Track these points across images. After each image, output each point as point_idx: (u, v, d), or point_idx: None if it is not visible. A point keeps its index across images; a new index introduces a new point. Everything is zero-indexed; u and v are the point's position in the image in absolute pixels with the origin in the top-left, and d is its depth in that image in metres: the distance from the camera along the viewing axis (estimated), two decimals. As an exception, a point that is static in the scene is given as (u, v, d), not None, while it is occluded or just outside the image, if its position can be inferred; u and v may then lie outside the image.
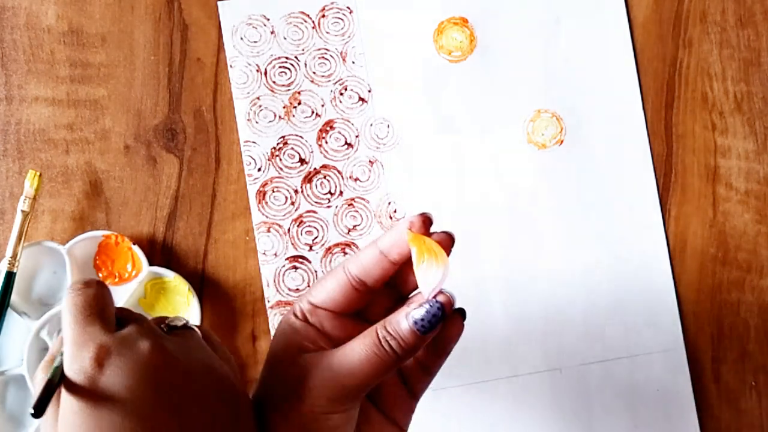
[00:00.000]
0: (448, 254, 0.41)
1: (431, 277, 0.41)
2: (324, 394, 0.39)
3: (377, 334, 0.40)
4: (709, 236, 0.62)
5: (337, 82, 0.62)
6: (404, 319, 0.40)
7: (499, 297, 0.61)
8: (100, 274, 0.60)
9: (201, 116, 0.62)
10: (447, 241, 0.42)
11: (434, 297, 0.41)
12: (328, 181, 0.62)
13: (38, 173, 0.59)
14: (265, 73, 0.62)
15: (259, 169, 0.61)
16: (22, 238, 0.58)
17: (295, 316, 0.43)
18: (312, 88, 0.62)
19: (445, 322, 0.41)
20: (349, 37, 0.62)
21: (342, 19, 0.62)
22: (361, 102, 0.62)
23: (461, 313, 0.43)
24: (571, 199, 0.62)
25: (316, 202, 0.61)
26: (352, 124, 0.62)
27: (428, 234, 0.42)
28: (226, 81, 0.62)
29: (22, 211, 0.58)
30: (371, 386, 0.40)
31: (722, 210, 0.62)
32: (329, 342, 0.43)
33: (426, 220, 0.42)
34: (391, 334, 0.40)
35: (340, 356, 0.40)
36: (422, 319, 0.40)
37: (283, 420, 0.40)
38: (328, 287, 0.43)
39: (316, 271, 0.61)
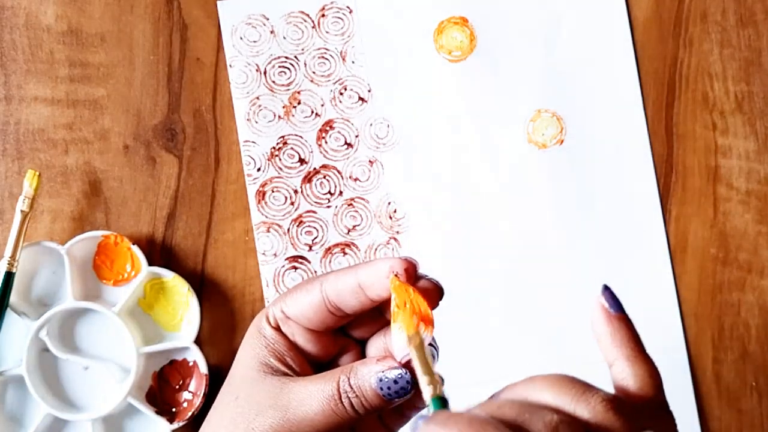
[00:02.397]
0: (433, 307, 0.36)
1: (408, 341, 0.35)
2: None
3: (338, 387, 0.37)
4: (710, 236, 0.62)
5: (336, 81, 0.62)
6: (372, 378, 0.37)
7: (498, 297, 0.61)
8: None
9: (200, 116, 0.62)
10: (435, 295, 0.37)
11: (408, 362, 0.36)
12: (328, 181, 0.61)
13: (37, 173, 0.58)
14: (265, 73, 0.62)
15: (259, 169, 0.61)
16: (21, 238, 0.57)
17: (268, 321, 0.40)
18: (312, 88, 0.62)
19: (418, 391, 0.35)
20: (349, 36, 0.62)
21: (342, 19, 0.62)
22: (360, 102, 0.62)
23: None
24: (572, 199, 0.62)
25: (315, 202, 0.61)
26: (352, 124, 0.62)
27: (412, 282, 0.37)
28: (225, 81, 0.62)
29: (22, 211, 0.58)
30: None
31: (723, 210, 0.62)
32: (299, 356, 0.40)
33: (410, 268, 0.37)
34: (354, 391, 0.37)
35: (298, 402, 0.37)
36: (389, 387, 0.36)
37: None
38: (301, 302, 0.39)
39: (315, 272, 0.61)
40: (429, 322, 0.36)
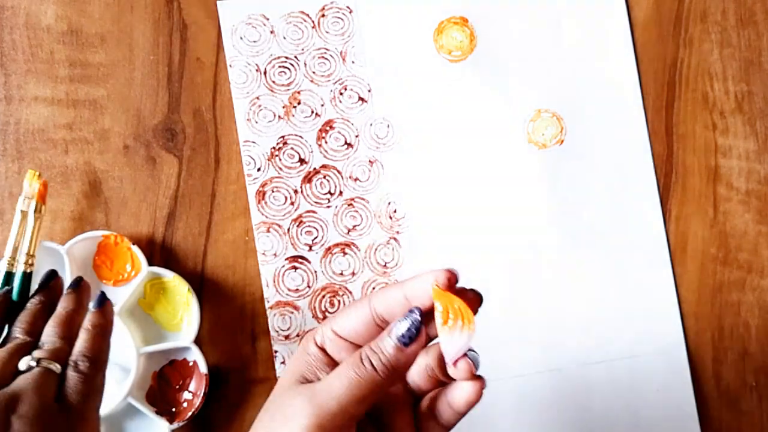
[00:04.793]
0: (474, 314, 0.40)
1: (456, 341, 0.39)
2: (306, 422, 0.38)
3: (360, 354, 0.40)
4: (710, 236, 0.62)
5: (336, 81, 0.62)
6: (386, 335, 0.40)
7: (499, 297, 0.61)
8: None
9: (200, 116, 0.62)
10: (475, 302, 0.41)
11: (457, 361, 0.40)
12: (328, 181, 0.61)
13: (37, 173, 0.58)
14: (265, 73, 0.62)
15: (259, 169, 0.61)
16: (22, 238, 0.57)
17: (315, 341, 0.43)
18: (312, 88, 0.62)
19: (423, 335, 0.40)
20: (349, 36, 0.62)
21: (342, 19, 0.62)
22: (361, 102, 0.62)
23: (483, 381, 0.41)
24: (572, 199, 0.62)
25: (315, 202, 0.61)
26: (352, 124, 0.62)
27: (454, 291, 0.40)
28: (225, 81, 0.62)
29: (22, 211, 0.58)
30: (355, 413, 0.39)
31: (723, 210, 0.62)
32: None
33: (452, 278, 0.40)
34: (373, 351, 0.40)
35: (324, 382, 0.40)
36: (403, 335, 0.40)
37: None
38: (351, 318, 0.42)
39: (315, 271, 0.61)
40: (470, 323, 0.39)
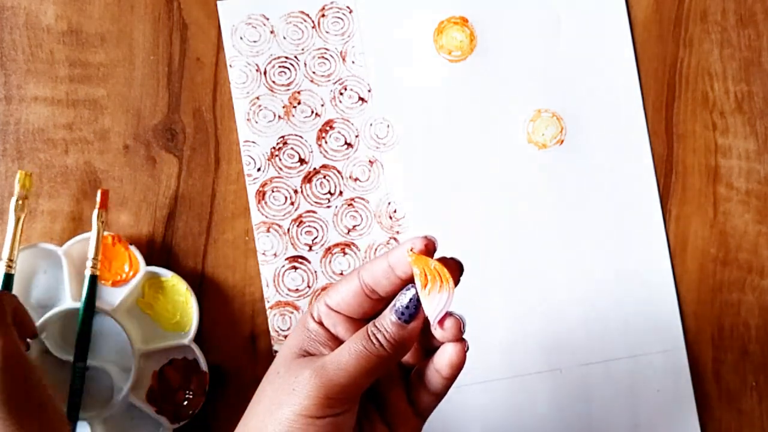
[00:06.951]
0: (456, 283, 0.41)
1: (436, 301, 0.40)
2: (314, 394, 0.39)
3: (367, 330, 0.41)
4: (710, 236, 0.62)
5: (336, 81, 0.62)
6: (388, 313, 0.41)
7: (499, 297, 0.61)
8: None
9: (200, 116, 0.62)
10: (455, 268, 0.41)
11: (441, 321, 0.41)
12: (328, 181, 0.61)
13: (28, 173, 0.58)
14: (265, 73, 0.62)
15: (259, 169, 0.61)
16: (17, 240, 0.57)
17: (312, 317, 0.44)
18: (312, 88, 0.62)
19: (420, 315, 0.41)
20: (349, 36, 0.62)
21: (342, 19, 0.62)
22: (361, 102, 0.62)
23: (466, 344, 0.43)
24: (572, 199, 0.62)
25: (315, 202, 0.61)
26: (352, 124, 0.62)
27: (431, 257, 0.41)
28: (225, 81, 0.62)
29: (15, 212, 0.57)
30: (362, 386, 0.40)
31: (723, 210, 0.62)
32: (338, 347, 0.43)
33: (429, 244, 0.41)
34: (378, 329, 0.41)
35: (332, 355, 0.41)
36: (402, 314, 0.41)
37: (277, 424, 0.40)
38: (342, 290, 0.43)
39: (315, 272, 0.61)
40: (448, 281, 0.40)
